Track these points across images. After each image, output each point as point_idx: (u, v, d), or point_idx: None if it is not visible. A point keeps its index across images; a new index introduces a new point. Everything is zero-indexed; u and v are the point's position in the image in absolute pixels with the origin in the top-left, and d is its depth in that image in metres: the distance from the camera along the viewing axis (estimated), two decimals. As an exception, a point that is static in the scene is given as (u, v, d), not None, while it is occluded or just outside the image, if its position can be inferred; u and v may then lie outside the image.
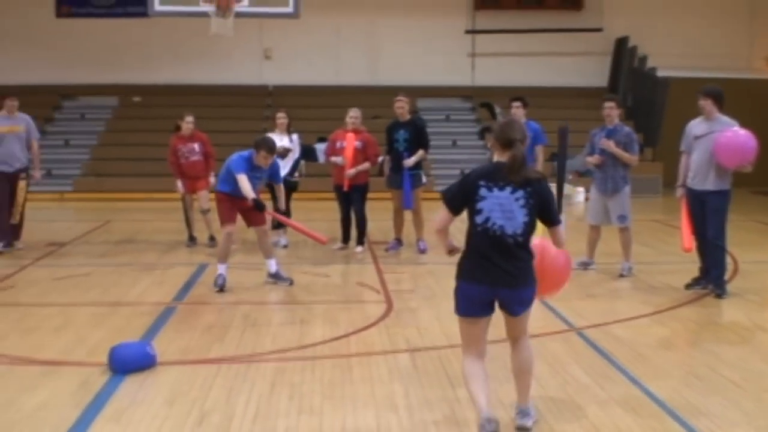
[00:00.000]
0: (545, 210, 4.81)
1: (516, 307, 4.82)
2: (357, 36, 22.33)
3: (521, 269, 4.76)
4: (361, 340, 6.95)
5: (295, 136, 11.48)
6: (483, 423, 4.60)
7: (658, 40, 21.58)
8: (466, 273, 4.81)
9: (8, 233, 10.99)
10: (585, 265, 9.96)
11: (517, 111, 10.61)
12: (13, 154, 10.97)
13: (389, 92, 20.78)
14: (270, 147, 8.88)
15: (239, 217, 9.10)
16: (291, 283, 9.05)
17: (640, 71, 21.73)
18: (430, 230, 11.53)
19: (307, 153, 16.53)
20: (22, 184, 11.05)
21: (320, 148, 18.70)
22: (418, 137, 10.93)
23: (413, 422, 5.10)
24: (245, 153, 8.99)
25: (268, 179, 9.45)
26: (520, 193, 4.73)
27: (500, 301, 4.82)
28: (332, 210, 14.94)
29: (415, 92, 16.26)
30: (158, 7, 12.29)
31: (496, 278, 4.72)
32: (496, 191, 4.72)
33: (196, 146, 11.32)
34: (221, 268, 8.84)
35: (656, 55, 21.46)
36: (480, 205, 4.73)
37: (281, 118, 11.41)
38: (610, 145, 9.52)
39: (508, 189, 4.73)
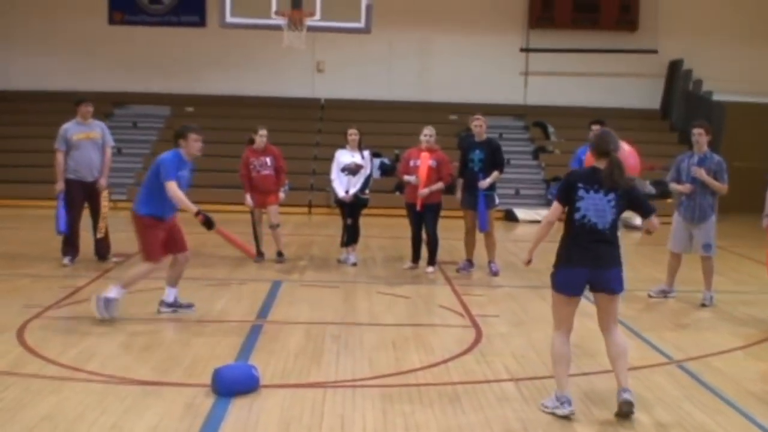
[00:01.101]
0: (638, 206, 5.87)
1: (608, 284, 5.68)
2: (410, 51, 22.19)
3: (610, 253, 5.71)
4: (460, 366, 6.79)
5: (366, 153, 11.33)
6: (563, 399, 5.60)
7: (713, 63, 21.27)
8: (567, 259, 5.72)
9: (77, 248, 10.86)
10: (665, 293, 9.80)
11: (596, 134, 10.42)
12: (91, 162, 10.75)
13: (441, 108, 20.96)
14: (195, 128, 8.02)
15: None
16: (191, 307, 8.31)
17: (694, 95, 21.46)
18: (500, 252, 11.44)
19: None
20: (105, 194, 10.95)
21: (375, 163, 18.58)
22: (494, 157, 10.78)
23: (541, 458, 4.94)
24: (169, 153, 7.93)
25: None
26: (611, 196, 5.66)
27: (595, 283, 5.69)
28: (389, 226, 14.91)
29: (466, 109, 16.09)
30: (229, 18, 12.23)
31: (589, 261, 5.63)
32: (591, 193, 5.65)
33: (268, 160, 11.18)
34: (115, 291, 7.84)
35: (711, 79, 21.18)
36: (578, 204, 5.67)
37: (353, 134, 11.23)
38: (702, 174, 9.30)
39: (602, 192, 5.66)
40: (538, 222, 17.15)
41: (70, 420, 5.31)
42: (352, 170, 11.14)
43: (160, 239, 7.96)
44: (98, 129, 11.01)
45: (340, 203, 11.34)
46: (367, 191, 11.30)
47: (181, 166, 7.92)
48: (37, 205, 15.63)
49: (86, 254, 11.02)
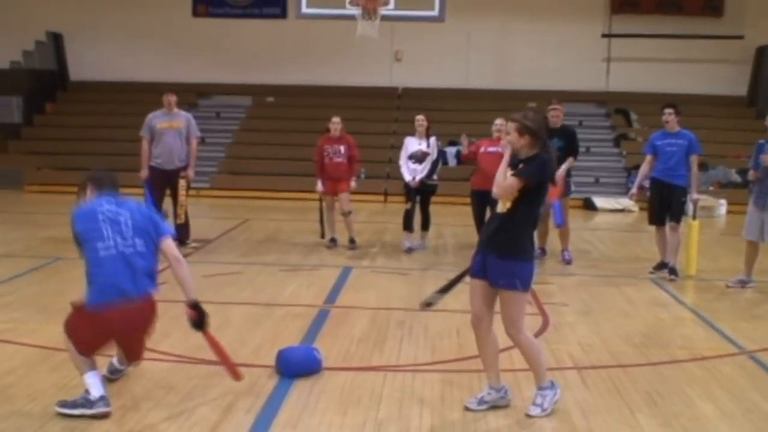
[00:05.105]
0: None
1: (495, 278, 5.40)
2: (488, 39, 22.10)
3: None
4: (523, 354, 6.76)
5: (432, 140, 11.43)
6: None
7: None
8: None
9: None
10: (743, 283, 9.56)
11: (669, 118, 10.19)
12: (171, 150, 11.00)
13: (520, 96, 20.78)
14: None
15: None
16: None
17: (782, 81, 20.86)
18: (574, 240, 11.34)
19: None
20: (183, 182, 11.14)
21: (450, 151, 18.57)
22: (570, 144, 10.68)
23: (597, 446, 4.91)
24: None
25: None
26: None
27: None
28: (464, 214, 14.79)
29: (546, 97, 15.91)
30: (305, 9, 12.41)
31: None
32: None
33: (342, 148, 11.31)
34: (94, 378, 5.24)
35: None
36: None
37: (420, 121, 11.34)
38: (766, 160, 9.09)
39: None
40: (619, 211, 17.03)
41: (137, 398, 5.50)
42: (418, 158, 11.26)
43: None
44: (182, 119, 11.26)
45: (408, 189, 11.41)
46: (434, 177, 11.38)
47: None
48: (123, 192, 16.04)
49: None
